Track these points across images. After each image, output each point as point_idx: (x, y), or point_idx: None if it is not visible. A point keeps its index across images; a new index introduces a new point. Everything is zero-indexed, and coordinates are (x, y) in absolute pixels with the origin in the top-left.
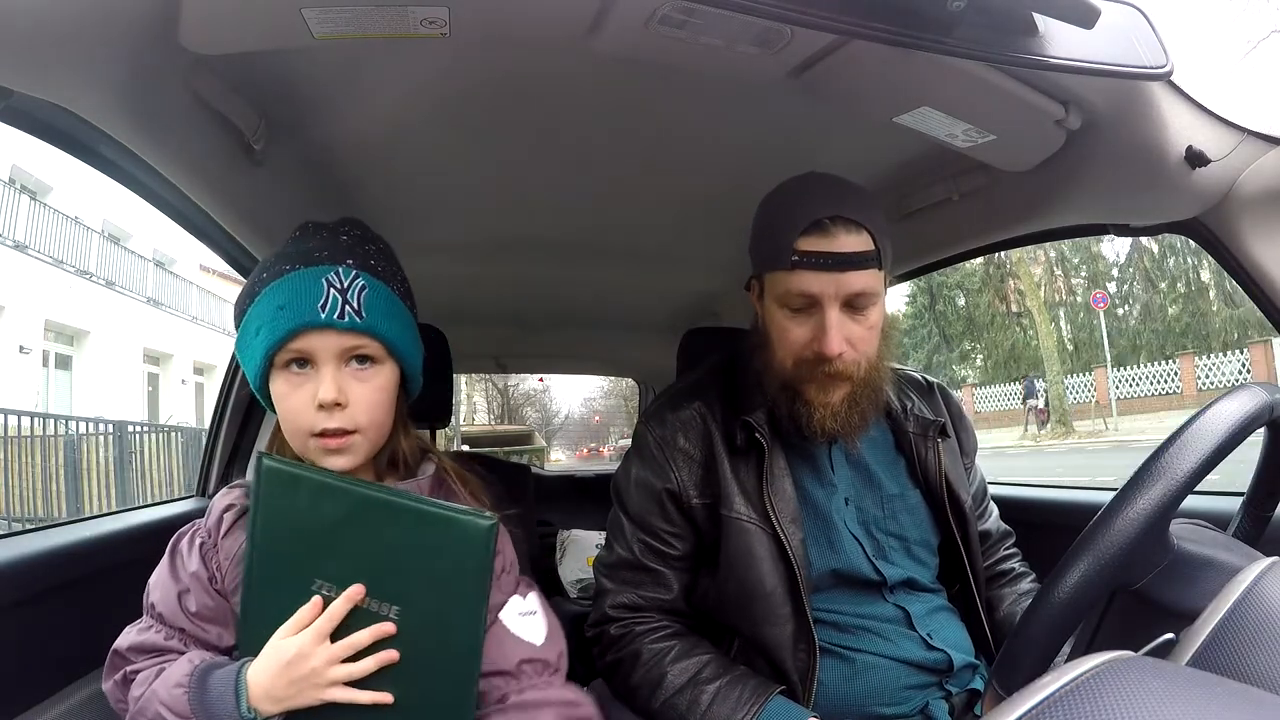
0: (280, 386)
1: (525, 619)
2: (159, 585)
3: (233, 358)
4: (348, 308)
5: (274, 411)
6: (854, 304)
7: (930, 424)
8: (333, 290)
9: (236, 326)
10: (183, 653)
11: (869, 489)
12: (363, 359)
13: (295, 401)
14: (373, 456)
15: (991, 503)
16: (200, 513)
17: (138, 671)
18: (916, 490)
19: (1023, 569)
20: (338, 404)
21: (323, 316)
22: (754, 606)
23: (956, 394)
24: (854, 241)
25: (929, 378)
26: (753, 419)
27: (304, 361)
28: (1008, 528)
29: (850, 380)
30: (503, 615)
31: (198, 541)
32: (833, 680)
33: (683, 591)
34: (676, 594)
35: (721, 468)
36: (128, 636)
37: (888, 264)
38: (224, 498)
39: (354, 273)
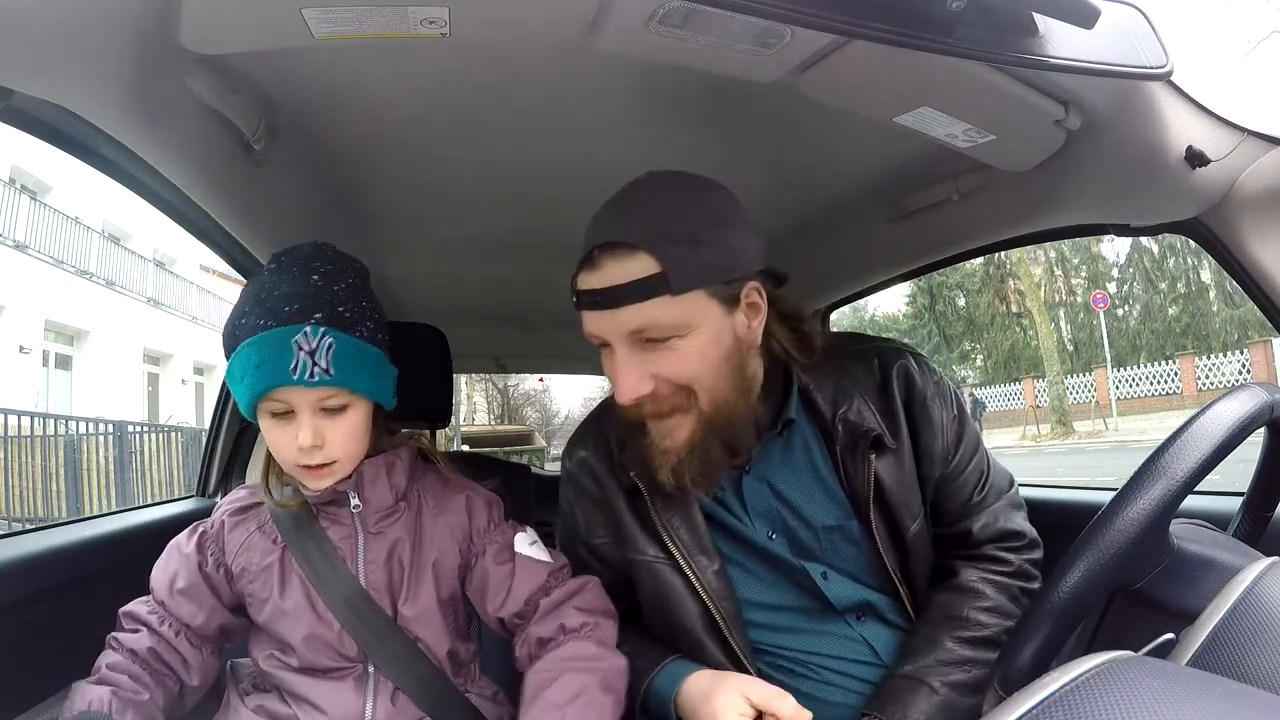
0: (265, 424)
1: (534, 546)
2: (157, 567)
3: None
4: (316, 368)
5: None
6: (651, 338)
7: (860, 435)
8: (301, 353)
9: (226, 357)
10: (153, 627)
11: (799, 522)
12: (331, 406)
13: (279, 439)
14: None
15: (993, 501)
16: (199, 512)
17: (115, 642)
18: (855, 518)
19: (987, 588)
20: (315, 446)
21: (294, 378)
22: (682, 643)
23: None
24: (627, 269)
25: (901, 352)
26: (624, 460)
27: (285, 408)
28: (1011, 529)
29: (684, 414)
30: (517, 548)
31: (199, 531)
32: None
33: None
34: None
35: (617, 508)
36: (130, 605)
37: (690, 283)
38: (229, 499)
39: (320, 331)
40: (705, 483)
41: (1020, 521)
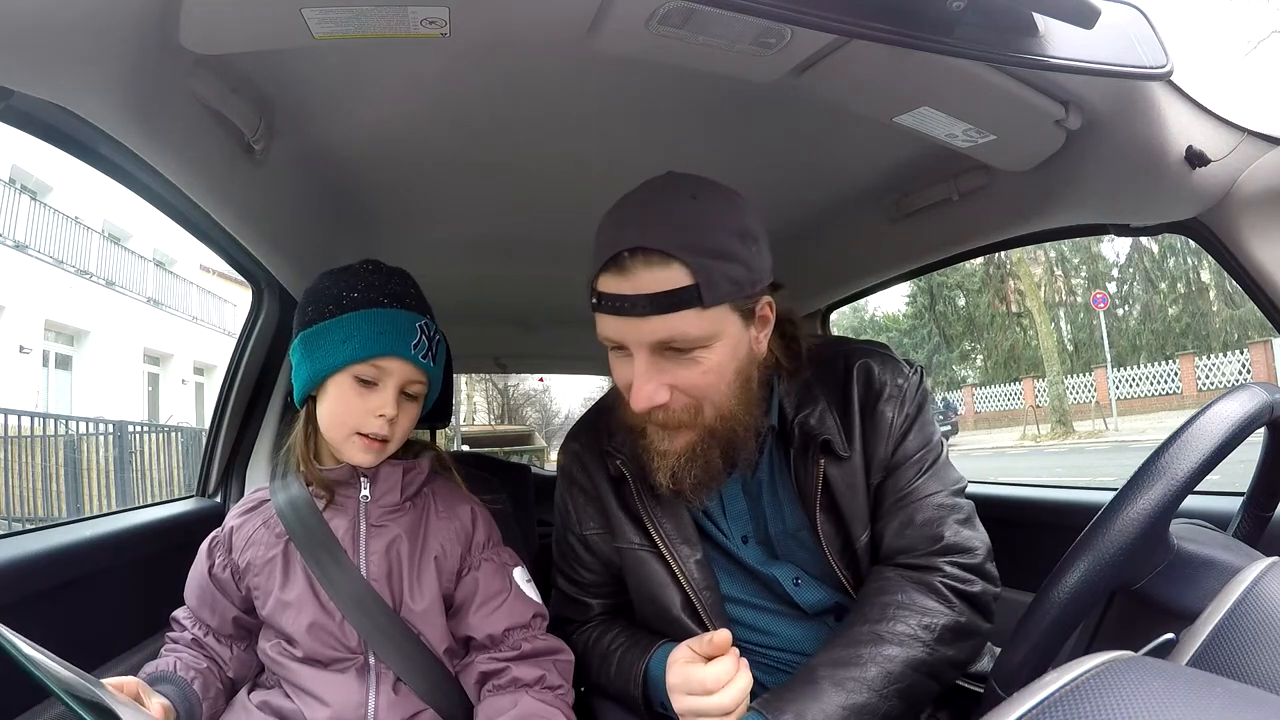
0: (341, 390)
1: (528, 584)
2: (189, 577)
3: (235, 357)
4: (430, 353)
5: (297, 402)
6: (674, 348)
7: (812, 438)
8: (424, 336)
9: (307, 326)
10: (188, 628)
11: (763, 527)
12: (414, 391)
13: (356, 405)
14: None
15: (930, 512)
16: (200, 512)
17: (168, 638)
18: (807, 525)
19: (904, 608)
20: (392, 418)
21: (412, 352)
22: (668, 629)
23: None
24: (659, 279)
25: (868, 351)
26: (612, 447)
27: (375, 377)
28: (949, 542)
29: (689, 428)
30: (516, 578)
31: (213, 538)
32: None
33: (602, 607)
34: (595, 610)
35: (608, 500)
36: (175, 611)
37: (720, 297)
38: (239, 503)
39: (434, 327)
40: (704, 490)
41: (951, 530)
